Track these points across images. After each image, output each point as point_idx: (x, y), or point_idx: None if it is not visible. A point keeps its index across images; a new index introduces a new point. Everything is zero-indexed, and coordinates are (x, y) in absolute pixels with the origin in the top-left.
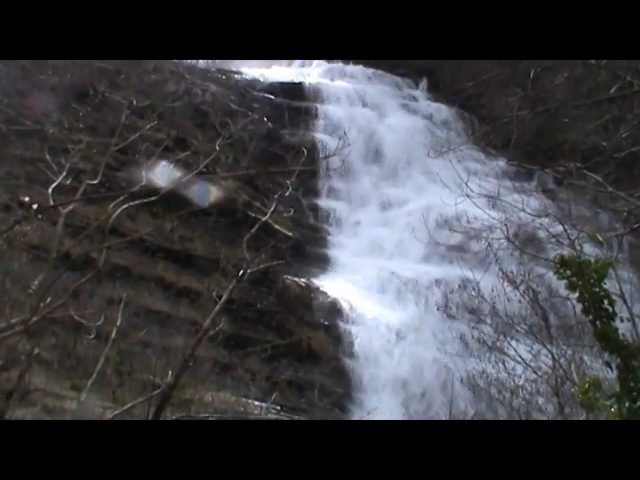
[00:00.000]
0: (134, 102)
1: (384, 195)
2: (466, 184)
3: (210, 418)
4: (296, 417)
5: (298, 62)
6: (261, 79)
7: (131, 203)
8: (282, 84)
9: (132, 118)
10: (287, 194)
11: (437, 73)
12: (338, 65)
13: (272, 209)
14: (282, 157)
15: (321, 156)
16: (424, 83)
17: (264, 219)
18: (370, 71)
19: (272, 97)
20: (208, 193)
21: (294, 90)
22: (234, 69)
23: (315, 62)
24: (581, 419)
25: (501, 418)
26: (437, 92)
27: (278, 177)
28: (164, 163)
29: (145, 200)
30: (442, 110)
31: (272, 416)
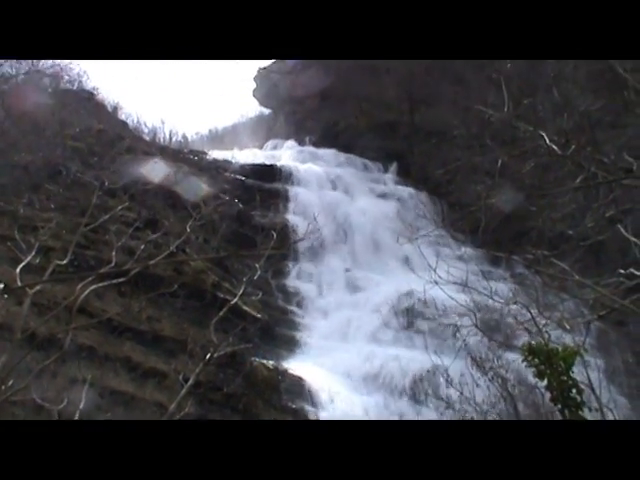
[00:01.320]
0: (106, 182)
1: (353, 278)
2: (434, 270)
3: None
4: None
5: (270, 144)
6: (232, 161)
7: (100, 284)
8: (254, 166)
9: (103, 198)
10: (255, 277)
11: (407, 158)
12: (309, 148)
13: (241, 291)
14: (252, 238)
15: (291, 238)
16: (394, 167)
17: (233, 301)
18: (341, 155)
19: (243, 179)
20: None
21: (265, 172)
22: (206, 150)
23: (287, 144)
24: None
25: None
26: (407, 177)
27: (248, 259)
28: None
29: (114, 281)
30: (412, 194)
31: None
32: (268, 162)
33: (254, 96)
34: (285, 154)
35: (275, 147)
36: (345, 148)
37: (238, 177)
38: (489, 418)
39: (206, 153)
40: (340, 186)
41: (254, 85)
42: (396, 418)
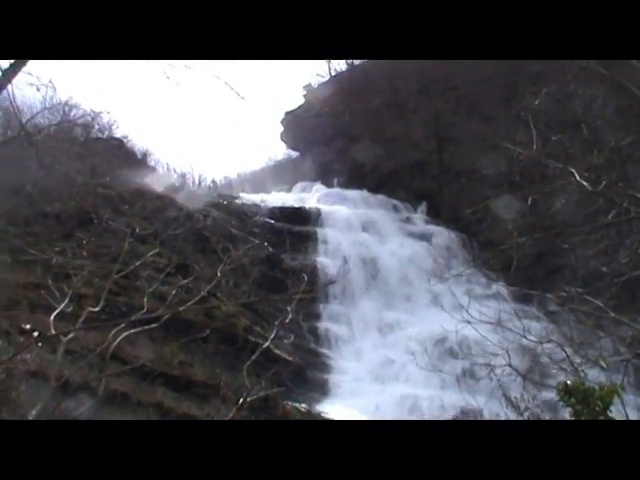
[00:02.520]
0: (136, 229)
1: (385, 319)
2: (466, 310)
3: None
4: None
5: (298, 187)
6: (261, 204)
7: (132, 330)
8: (282, 209)
9: (134, 244)
10: (287, 320)
11: (436, 197)
12: (337, 190)
13: (273, 335)
14: (282, 281)
15: (322, 280)
16: (423, 207)
17: (265, 345)
18: (369, 196)
19: (272, 222)
20: None
21: (294, 215)
22: (234, 194)
23: (315, 187)
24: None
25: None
26: (436, 216)
27: (279, 302)
28: None
29: (146, 327)
30: (442, 233)
31: None
32: (297, 204)
33: (282, 139)
34: (313, 197)
35: (304, 190)
36: (373, 189)
37: (267, 220)
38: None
39: (235, 197)
40: (370, 227)
41: (282, 128)
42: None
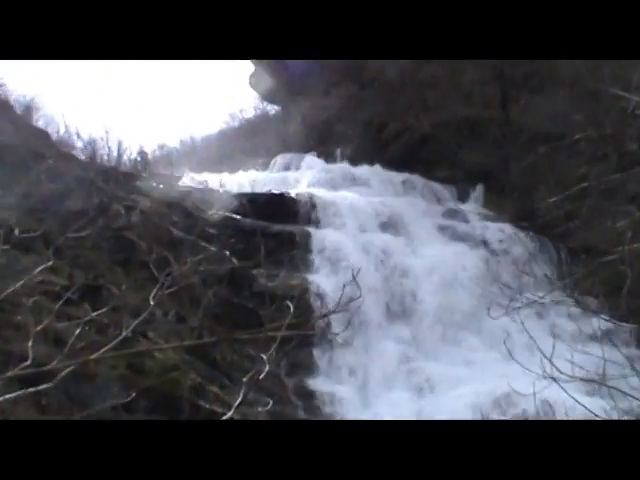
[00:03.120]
0: (15, 231)
1: (417, 373)
2: (550, 360)
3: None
4: None
5: (279, 162)
6: (220, 190)
7: (9, 395)
8: (254, 197)
9: (11, 253)
10: (262, 375)
11: (499, 177)
12: (341, 166)
13: (238, 401)
14: (254, 312)
15: (316, 311)
16: (478, 193)
17: (226, 417)
18: (392, 175)
19: (238, 217)
20: None
21: (272, 206)
22: (177, 173)
23: (306, 160)
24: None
25: None
26: (499, 207)
27: (248, 346)
28: None
29: (32, 389)
30: (508, 236)
31: None
32: (277, 190)
33: (252, 86)
34: (304, 177)
35: (287, 166)
36: (398, 164)
37: (230, 215)
38: None
39: (179, 177)
40: (393, 225)
41: (251, 69)
42: None
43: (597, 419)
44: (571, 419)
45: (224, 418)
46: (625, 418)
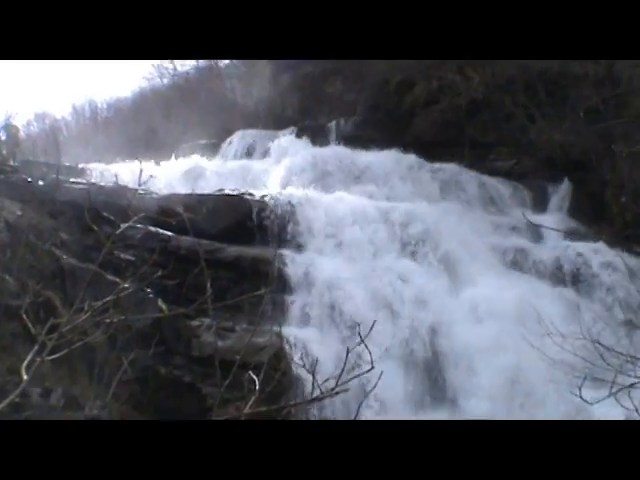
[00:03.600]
0: None
1: None
2: None
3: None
4: None
5: (235, 142)
6: (136, 187)
7: None
8: (197, 200)
9: None
10: None
11: (592, 168)
12: (339, 151)
13: None
14: (195, 392)
15: (300, 393)
16: (562, 193)
17: None
18: (420, 165)
19: (169, 235)
20: None
21: (227, 215)
22: (71, 164)
23: (280, 141)
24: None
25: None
26: (595, 217)
27: None
28: None
29: None
30: (609, 262)
31: None
32: (233, 190)
33: None
34: (277, 167)
35: (250, 149)
36: (428, 148)
37: (156, 231)
38: None
39: (70, 168)
40: (422, 247)
41: None
42: None
43: (597, 419)
44: (571, 419)
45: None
46: None
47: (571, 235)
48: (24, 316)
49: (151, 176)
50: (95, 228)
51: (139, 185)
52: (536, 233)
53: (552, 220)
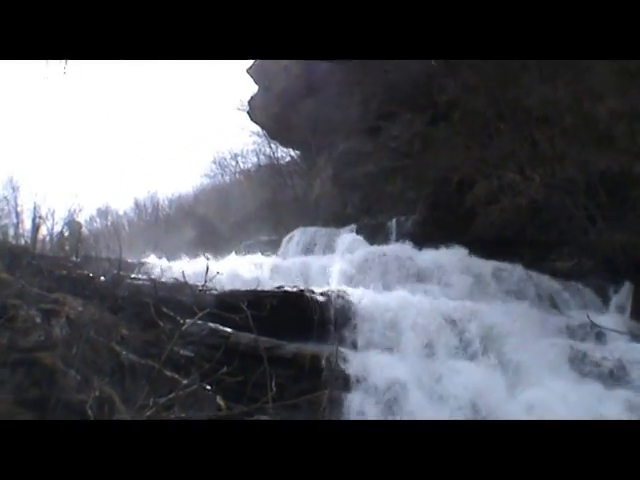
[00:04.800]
0: None
1: None
2: None
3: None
4: None
5: (297, 240)
6: (200, 285)
7: None
8: (258, 297)
9: None
10: None
11: None
12: (399, 249)
13: None
14: None
15: None
16: (624, 295)
17: None
18: (480, 264)
19: (229, 331)
20: None
21: (287, 312)
22: (132, 259)
23: (342, 240)
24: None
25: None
26: None
27: None
28: None
29: None
30: None
31: None
32: (293, 286)
33: (253, 117)
34: (337, 264)
35: (310, 246)
36: (487, 247)
37: (216, 328)
38: None
39: (131, 265)
40: (486, 349)
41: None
42: None
43: (597, 419)
44: (571, 419)
45: None
46: None
47: (635, 336)
48: (89, 412)
49: (218, 273)
50: (160, 324)
51: (205, 282)
52: (598, 335)
53: (613, 322)
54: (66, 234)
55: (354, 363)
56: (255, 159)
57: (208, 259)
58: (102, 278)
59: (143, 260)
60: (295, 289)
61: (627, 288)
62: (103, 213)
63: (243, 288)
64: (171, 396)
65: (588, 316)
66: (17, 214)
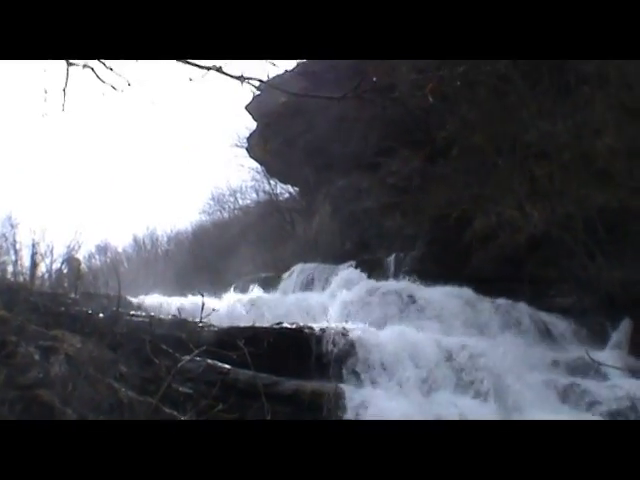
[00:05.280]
0: None
1: None
2: None
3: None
4: None
5: (297, 276)
6: (199, 321)
7: None
8: (256, 333)
9: None
10: None
11: None
12: (398, 286)
13: None
14: None
15: None
16: (622, 332)
17: None
18: (479, 301)
19: (228, 367)
20: None
21: (286, 349)
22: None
23: (341, 276)
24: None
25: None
26: None
27: None
28: None
29: None
30: None
31: None
32: (292, 323)
33: (251, 153)
34: (336, 300)
35: (310, 282)
36: (486, 284)
37: (214, 364)
38: None
39: (130, 304)
40: (484, 384)
41: (252, 127)
42: None
43: (597, 419)
44: (570, 419)
45: None
46: None
47: (633, 372)
48: None
49: (214, 309)
50: (156, 361)
51: (201, 319)
52: (596, 371)
53: (612, 358)
54: (65, 271)
55: (354, 400)
56: (254, 195)
57: (203, 295)
58: (101, 315)
59: (142, 297)
60: (294, 326)
61: (626, 324)
62: (102, 249)
63: (241, 325)
64: None
65: (587, 352)
66: (16, 251)
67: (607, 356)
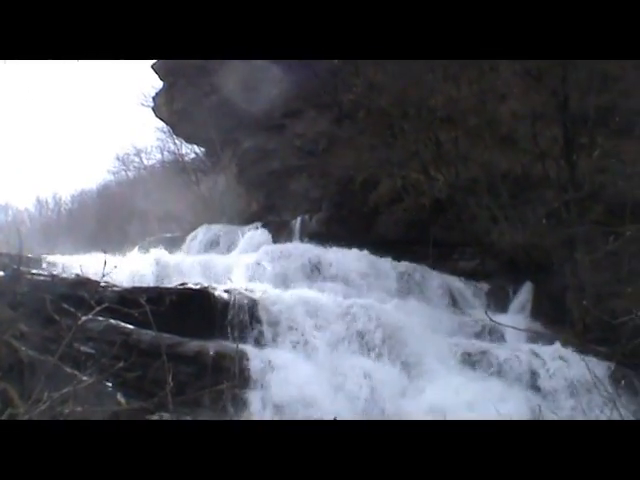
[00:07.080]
0: None
1: None
2: None
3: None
4: None
5: (202, 238)
6: (101, 281)
7: None
8: (159, 293)
9: None
10: None
11: (558, 272)
12: (303, 248)
13: None
14: None
15: None
16: (525, 295)
17: None
18: (384, 264)
19: (130, 327)
20: None
21: (189, 309)
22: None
23: (247, 238)
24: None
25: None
26: (557, 318)
27: None
28: None
29: None
30: (569, 364)
31: None
32: (196, 284)
33: (158, 112)
34: (241, 262)
35: (215, 243)
36: (392, 247)
37: (116, 324)
38: None
39: (36, 260)
40: (387, 346)
41: (158, 87)
42: None
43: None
44: (571, 419)
45: None
46: None
47: (533, 335)
48: None
49: (115, 267)
50: (58, 319)
51: (102, 276)
52: (497, 334)
53: (513, 321)
54: None
55: (257, 361)
56: (159, 155)
57: (105, 252)
58: (1, 273)
59: (44, 257)
60: (198, 286)
61: (527, 288)
62: (3, 209)
63: (145, 285)
64: (65, 391)
65: (487, 313)
66: None
67: (509, 319)
